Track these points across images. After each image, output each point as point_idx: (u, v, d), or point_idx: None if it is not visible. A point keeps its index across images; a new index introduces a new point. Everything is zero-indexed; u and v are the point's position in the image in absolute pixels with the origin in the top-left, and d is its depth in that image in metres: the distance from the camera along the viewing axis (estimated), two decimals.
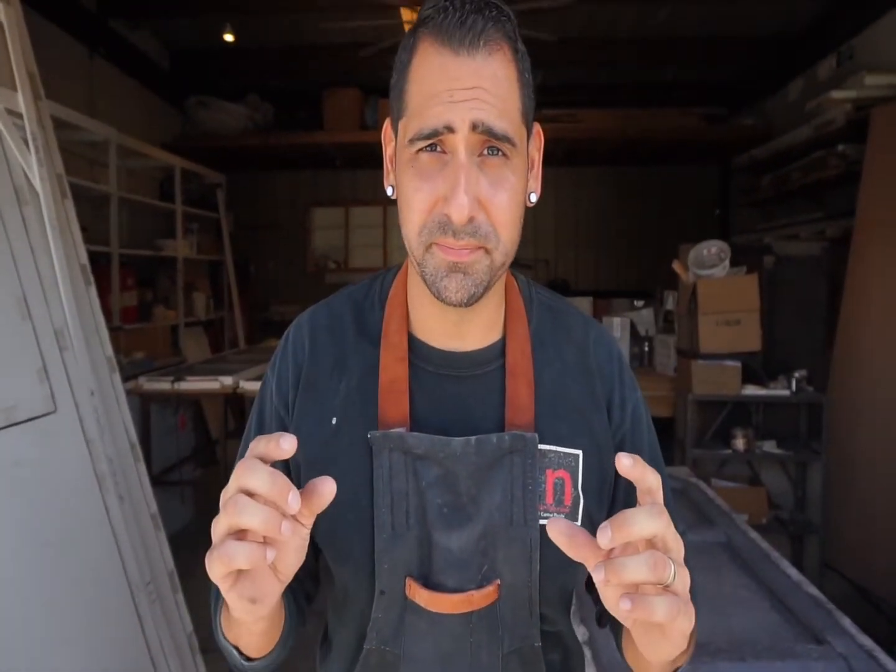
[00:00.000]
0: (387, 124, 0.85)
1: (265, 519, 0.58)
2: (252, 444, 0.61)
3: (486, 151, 0.75)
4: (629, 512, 0.59)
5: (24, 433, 1.96)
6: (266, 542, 0.60)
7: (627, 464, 0.60)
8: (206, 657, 2.58)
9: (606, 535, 0.57)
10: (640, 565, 0.57)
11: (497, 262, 0.79)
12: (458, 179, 0.73)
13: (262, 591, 0.65)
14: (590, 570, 0.62)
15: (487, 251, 0.77)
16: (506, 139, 0.74)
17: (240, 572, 0.64)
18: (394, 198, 0.83)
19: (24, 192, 2.18)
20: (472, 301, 0.79)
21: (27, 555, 1.91)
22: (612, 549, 0.61)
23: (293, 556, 0.65)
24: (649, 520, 0.58)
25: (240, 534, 0.60)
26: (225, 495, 0.60)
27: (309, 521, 0.64)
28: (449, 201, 0.74)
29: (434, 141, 0.75)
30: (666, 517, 0.60)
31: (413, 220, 0.77)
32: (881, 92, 4.00)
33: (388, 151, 0.86)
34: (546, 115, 6.29)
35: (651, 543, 0.60)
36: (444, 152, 0.75)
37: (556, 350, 0.92)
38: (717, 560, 2.10)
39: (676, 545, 0.61)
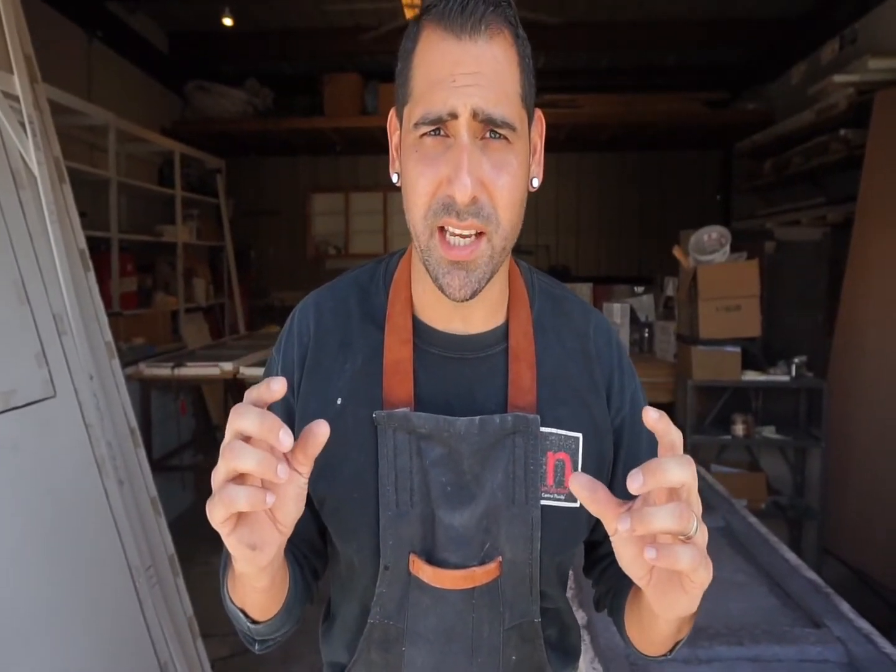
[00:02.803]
0: (392, 113, 0.89)
1: (260, 460, 0.59)
2: (246, 393, 0.62)
3: (488, 135, 0.78)
4: (660, 458, 0.60)
5: (23, 418, 1.96)
6: (264, 486, 0.61)
7: (654, 417, 0.61)
8: (206, 641, 2.59)
9: (638, 480, 0.59)
10: (667, 515, 0.59)
11: (497, 247, 0.80)
12: (461, 161, 0.75)
13: (261, 538, 0.66)
14: (607, 526, 0.64)
15: (488, 238, 0.79)
16: (506, 125, 0.77)
17: (239, 517, 0.64)
18: (399, 185, 0.85)
19: (22, 176, 2.17)
20: (475, 296, 0.81)
21: (26, 539, 1.91)
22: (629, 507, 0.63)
23: (292, 505, 0.66)
24: (679, 468, 0.60)
25: (238, 479, 0.61)
26: (223, 445, 0.61)
27: (306, 469, 0.64)
28: (452, 182, 0.76)
29: (438, 126, 0.77)
30: (693, 468, 0.61)
31: (418, 203, 0.79)
32: (884, 76, 3.97)
33: (393, 140, 0.88)
34: (547, 101, 6.26)
35: (674, 495, 0.62)
36: (447, 136, 0.78)
37: (556, 335, 0.93)
38: (716, 545, 2.10)
39: (697, 500, 0.63)
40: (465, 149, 0.76)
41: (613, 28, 6.09)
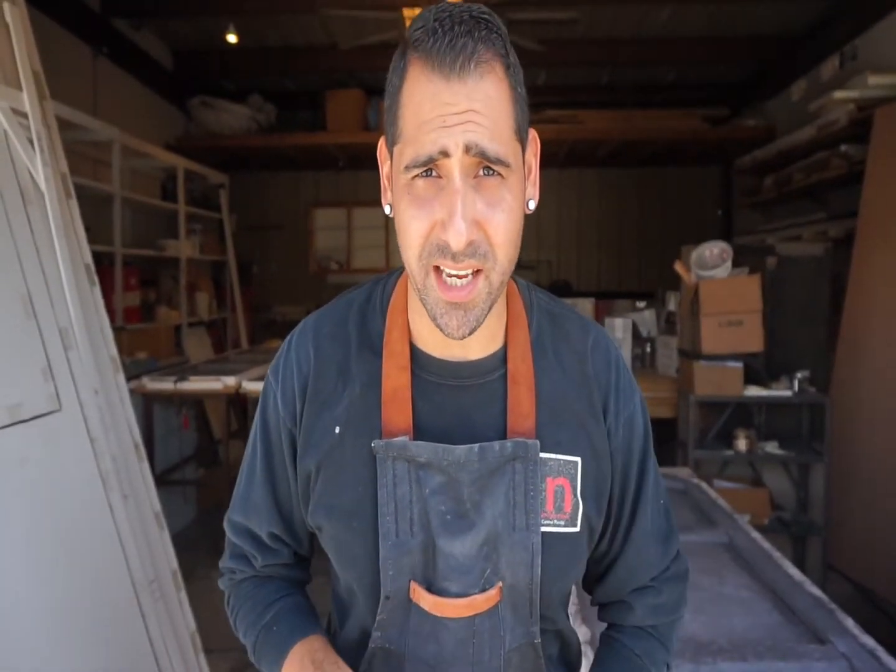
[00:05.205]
0: (381, 143, 0.86)
1: None
2: None
3: (481, 172, 0.75)
4: None
5: (29, 431, 1.97)
6: None
7: None
8: (208, 656, 2.58)
9: None
10: None
11: (495, 283, 0.79)
12: (454, 205, 0.73)
13: None
14: None
15: (486, 275, 0.78)
16: (500, 162, 0.74)
17: None
18: (391, 216, 0.83)
19: (29, 192, 2.19)
20: (473, 332, 0.80)
21: (32, 552, 1.92)
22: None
23: None
24: None
25: None
26: None
27: None
28: (447, 228, 0.74)
29: (430, 166, 0.75)
30: None
31: (412, 245, 0.77)
32: (884, 92, 4.00)
33: (384, 170, 0.86)
34: (548, 117, 6.30)
35: None
36: (439, 177, 0.75)
37: (555, 356, 0.92)
38: (720, 560, 2.10)
39: None
40: (458, 192, 0.73)
41: (614, 45, 6.13)
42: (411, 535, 0.84)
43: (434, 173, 0.75)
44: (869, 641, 1.61)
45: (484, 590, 0.85)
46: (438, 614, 0.85)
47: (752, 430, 3.95)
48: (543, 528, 0.86)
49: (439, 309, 0.78)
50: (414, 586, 0.85)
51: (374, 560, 0.85)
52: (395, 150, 0.78)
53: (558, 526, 0.87)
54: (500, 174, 0.75)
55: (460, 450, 0.83)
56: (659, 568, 0.99)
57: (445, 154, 0.73)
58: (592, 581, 1.03)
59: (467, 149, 0.72)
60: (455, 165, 0.73)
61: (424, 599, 0.85)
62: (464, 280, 0.77)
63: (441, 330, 0.80)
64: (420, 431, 0.86)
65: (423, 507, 0.84)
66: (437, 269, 0.77)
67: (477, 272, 0.77)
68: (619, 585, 0.99)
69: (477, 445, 0.83)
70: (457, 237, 0.73)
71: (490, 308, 0.80)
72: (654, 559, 0.98)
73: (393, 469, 0.84)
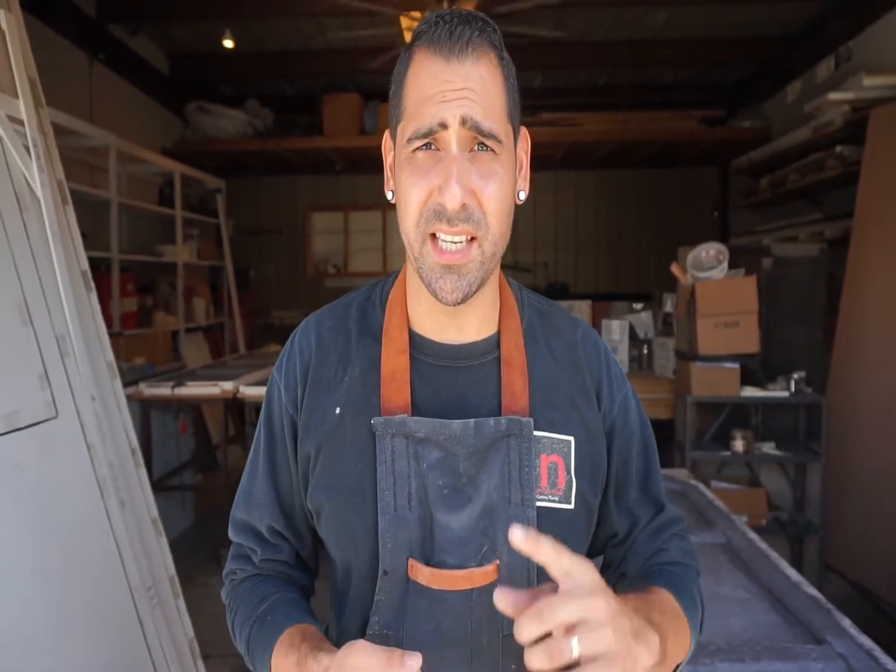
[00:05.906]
0: (386, 135, 0.94)
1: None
2: (363, 648, 0.73)
3: (475, 147, 0.83)
4: (541, 604, 0.65)
5: (26, 438, 1.97)
6: None
7: (518, 539, 0.67)
8: (206, 662, 2.58)
9: (521, 631, 0.65)
10: (541, 657, 0.64)
11: (488, 252, 0.85)
12: (450, 171, 0.81)
13: None
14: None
15: (479, 243, 0.84)
16: (492, 136, 0.82)
17: None
18: (394, 202, 0.90)
19: (26, 198, 2.19)
20: (466, 300, 0.85)
21: (28, 559, 1.91)
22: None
23: None
24: (565, 608, 0.65)
25: None
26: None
27: None
28: (443, 191, 0.81)
29: (429, 139, 0.82)
30: (578, 602, 0.65)
31: (410, 212, 0.84)
32: (879, 93, 4.01)
33: (387, 160, 0.94)
34: (545, 119, 6.31)
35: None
36: (438, 149, 0.83)
37: (546, 345, 0.97)
38: (717, 561, 2.10)
39: (595, 614, 0.65)
40: (454, 160, 0.81)
41: (611, 46, 6.15)
42: (409, 510, 0.87)
43: (433, 146, 0.83)
44: (866, 641, 1.61)
45: (481, 564, 0.87)
46: (436, 587, 0.86)
47: (749, 430, 3.95)
48: (538, 504, 0.89)
49: (435, 274, 0.85)
50: (412, 563, 0.87)
51: (372, 535, 0.88)
52: (399, 127, 0.86)
53: (553, 501, 0.90)
54: (492, 150, 0.83)
55: (457, 424, 0.87)
56: (679, 525, 1.04)
57: (444, 126, 0.81)
58: (619, 562, 1.03)
59: (463, 121, 0.80)
60: (452, 136, 0.81)
61: (422, 573, 0.86)
62: (459, 245, 0.83)
63: (436, 296, 0.85)
64: (418, 410, 0.90)
65: (422, 481, 0.88)
66: (433, 237, 0.84)
67: (471, 240, 0.84)
68: (648, 548, 1.01)
69: (472, 420, 0.87)
70: (452, 198, 0.80)
71: (482, 280, 0.86)
72: (674, 516, 1.03)
73: (392, 445, 0.87)
